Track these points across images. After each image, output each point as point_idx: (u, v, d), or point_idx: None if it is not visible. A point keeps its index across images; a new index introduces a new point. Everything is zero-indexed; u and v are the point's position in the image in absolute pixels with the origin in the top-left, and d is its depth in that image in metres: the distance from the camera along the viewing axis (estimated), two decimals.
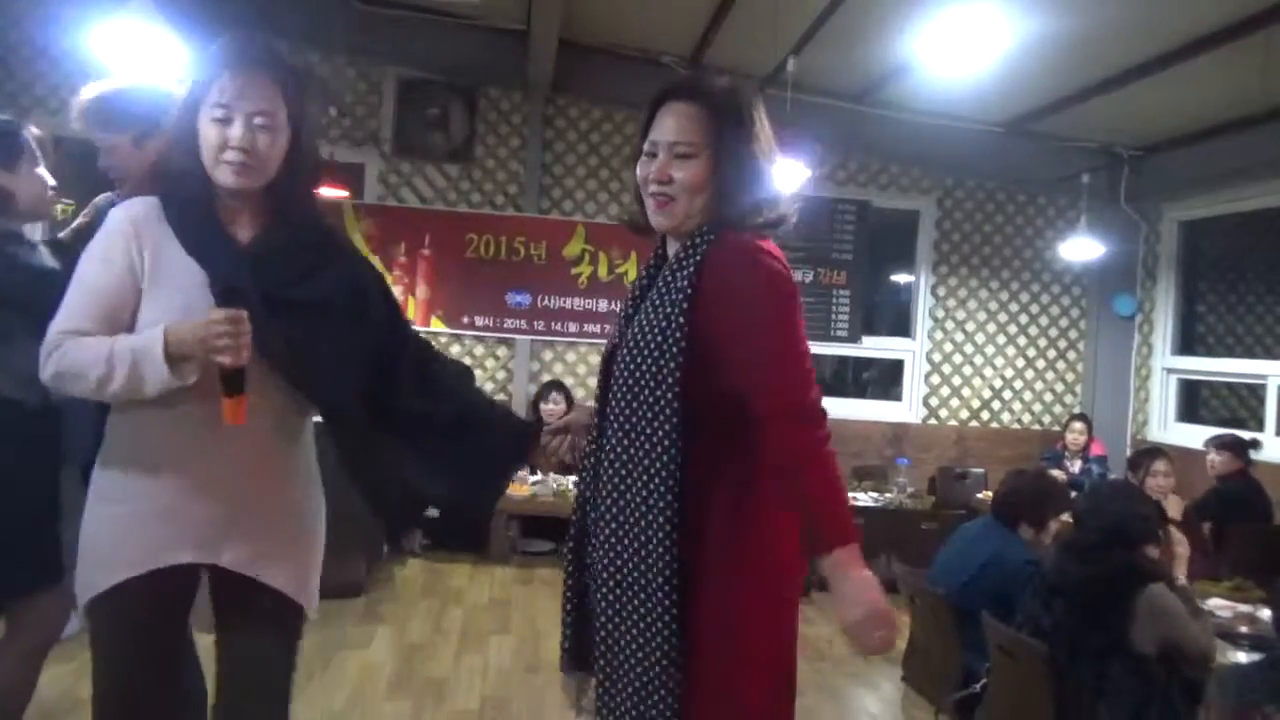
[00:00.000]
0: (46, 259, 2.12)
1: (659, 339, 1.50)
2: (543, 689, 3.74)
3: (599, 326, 6.75)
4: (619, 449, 1.54)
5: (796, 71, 5.41)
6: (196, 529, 1.60)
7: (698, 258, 1.53)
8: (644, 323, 1.54)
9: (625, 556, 1.52)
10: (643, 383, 1.51)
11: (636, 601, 1.50)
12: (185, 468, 1.59)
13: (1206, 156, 6.16)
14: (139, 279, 1.58)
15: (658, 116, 1.60)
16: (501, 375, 6.73)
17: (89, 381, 1.51)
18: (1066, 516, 4.61)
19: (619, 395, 1.55)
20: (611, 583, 1.54)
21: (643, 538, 1.49)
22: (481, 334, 6.69)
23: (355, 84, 6.49)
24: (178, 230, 1.59)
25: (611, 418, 1.56)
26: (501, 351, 6.76)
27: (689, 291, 1.50)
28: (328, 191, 5.73)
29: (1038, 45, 4.83)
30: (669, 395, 1.48)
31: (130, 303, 1.58)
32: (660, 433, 1.48)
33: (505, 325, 6.69)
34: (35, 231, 2.24)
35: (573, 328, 6.78)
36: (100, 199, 2.28)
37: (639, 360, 1.52)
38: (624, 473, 1.53)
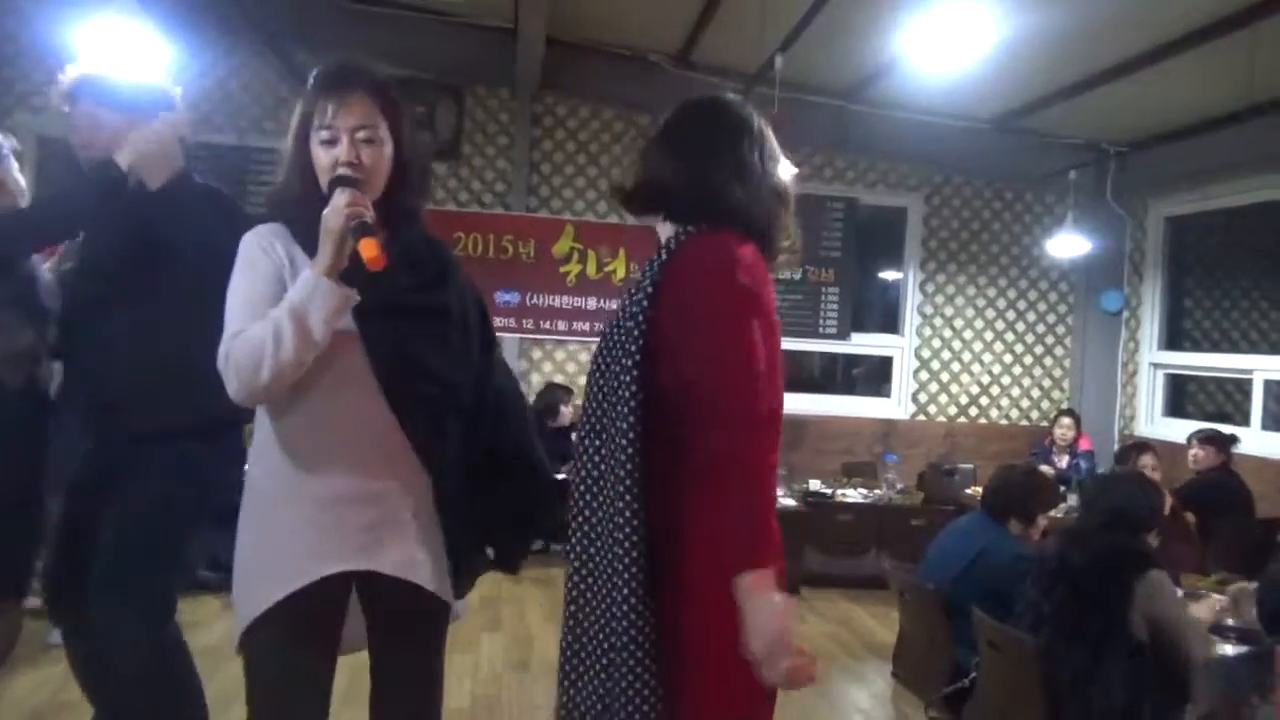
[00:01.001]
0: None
1: (622, 332, 1.51)
2: (533, 687, 3.74)
3: (588, 325, 6.74)
4: (589, 444, 1.54)
5: (784, 69, 5.41)
6: (354, 536, 1.63)
7: (663, 256, 1.54)
8: (614, 321, 1.56)
9: (594, 547, 1.51)
10: (607, 375, 1.52)
11: (601, 595, 1.49)
12: (333, 478, 1.63)
13: (1192, 152, 6.19)
14: (287, 283, 1.62)
15: None
16: None
17: (266, 357, 1.53)
18: (1056, 512, 4.65)
19: (591, 389, 1.56)
20: (577, 578, 1.54)
21: (609, 528, 1.48)
22: None
23: None
24: (309, 252, 1.63)
25: (586, 413, 1.57)
26: None
27: (650, 288, 1.50)
28: None
29: (1024, 42, 4.84)
30: (631, 388, 1.47)
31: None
32: (624, 425, 1.47)
33: (494, 324, 6.65)
34: None
35: (562, 326, 6.77)
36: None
37: (605, 352, 1.53)
38: (591, 466, 1.53)
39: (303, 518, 1.62)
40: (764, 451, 1.41)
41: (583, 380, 6.88)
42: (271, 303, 1.59)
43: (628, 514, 1.45)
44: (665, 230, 1.61)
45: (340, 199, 1.55)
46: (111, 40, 3.57)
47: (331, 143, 1.63)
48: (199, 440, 2.12)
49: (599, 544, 1.51)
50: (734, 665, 1.47)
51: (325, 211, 1.56)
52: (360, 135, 1.63)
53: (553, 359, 6.79)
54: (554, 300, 6.75)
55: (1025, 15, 4.53)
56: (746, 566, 1.37)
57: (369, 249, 1.53)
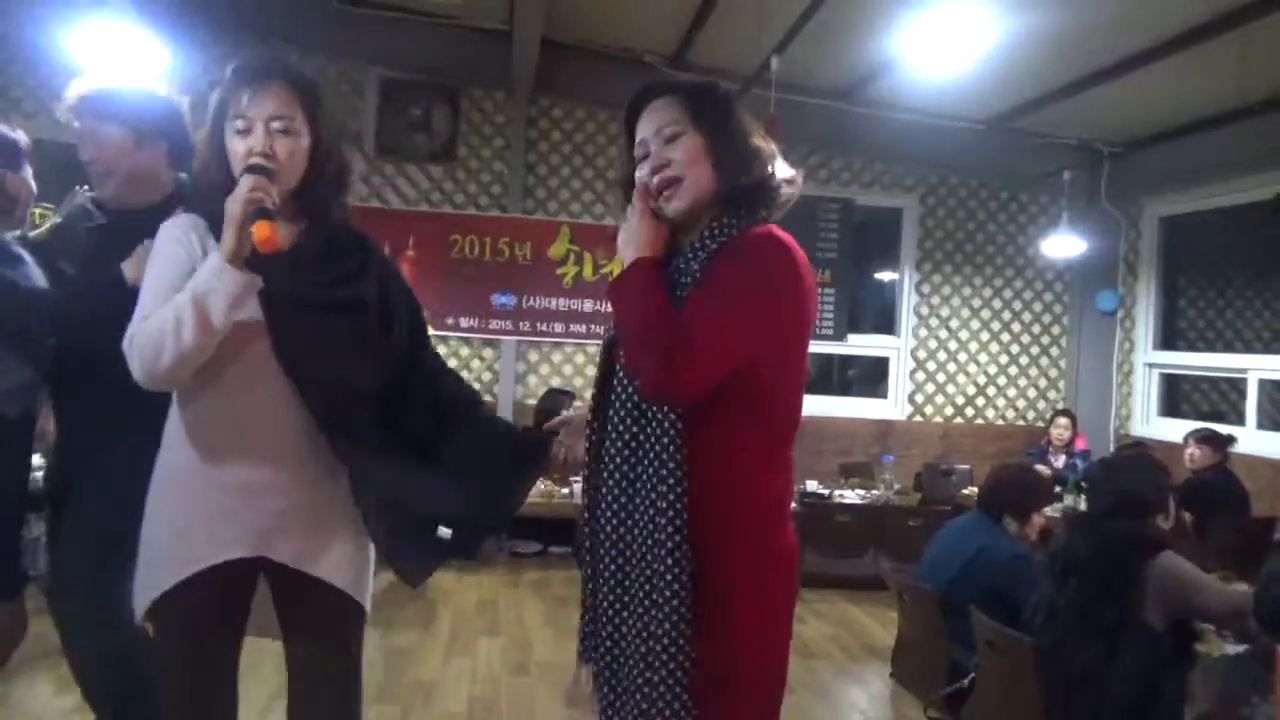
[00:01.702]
0: (17, 270, 2.11)
1: None
2: (531, 689, 3.73)
3: (585, 327, 6.74)
4: (625, 437, 1.52)
5: (779, 70, 5.42)
6: (253, 524, 1.63)
7: (714, 245, 1.51)
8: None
9: (631, 542, 1.50)
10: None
11: (643, 593, 1.48)
12: (238, 466, 1.63)
13: (1186, 152, 6.21)
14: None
15: (638, 125, 1.61)
16: (487, 376, 6.71)
17: (167, 342, 1.53)
18: (1052, 512, 4.65)
19: (625, 380, 1.53)
20: (615, 567, 1.53)
21: (650, 526, 1.47)
22: (467, 335, 6.67)
23: (337, 84, 6.46)
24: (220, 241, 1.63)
25: (617, 404, 1.54)
26: (487, 353, 6.74)
27: (702, 272, 1.49)
28: None
29: (1018, 43, 4.85)
30: None
31: None
32: (667, 421, 1.46)
33: (491, 326, 6.67)
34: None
35: (558, 328, 6.77)
36: (77, 196, 2.25)
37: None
38: (631, 461, 1.51)
39: (205, 503, 1.63)
40: (651, 358, 1.43)
41: (580, 383, 6.86)
42: (180, 287, 1.59)
43: (670, 514, 1.45)
44: (691, 234, 1.58)
45: (244, 185, 1.56)
46: (106, 44, 3.55)
47: (246, 132, 1.63)
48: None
49: (635, 541, 1.50)
50: (765, 679, 1.49)
51: (228, 198, 1.56)
52: (275, 125, 1.63)
53: (549, 361, 6.79)
54: (550, 302, 6.75)
55: (1019, 17, 4.54)
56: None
57: (261, 230, 1.53)
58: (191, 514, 1.63)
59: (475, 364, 6.72)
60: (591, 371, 6.76)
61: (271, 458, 1.64)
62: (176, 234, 1.68)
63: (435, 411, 1.81)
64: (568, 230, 6.76)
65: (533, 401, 6.42)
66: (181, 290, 1.57)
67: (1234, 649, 2.70)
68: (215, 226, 1.64)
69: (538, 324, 6.73)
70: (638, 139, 1.60)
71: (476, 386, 6.52)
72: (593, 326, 6.72)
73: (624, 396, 1.53)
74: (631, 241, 1.55)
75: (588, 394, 6.79)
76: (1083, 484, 5.78)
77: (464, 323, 6.63)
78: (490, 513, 1.89)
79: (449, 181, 6.68)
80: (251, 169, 1.59)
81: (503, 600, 4.99)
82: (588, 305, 6.76)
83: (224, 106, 1.65)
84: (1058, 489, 5.41)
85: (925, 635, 3.71)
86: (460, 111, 6.65)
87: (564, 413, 1.91)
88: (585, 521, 1.63)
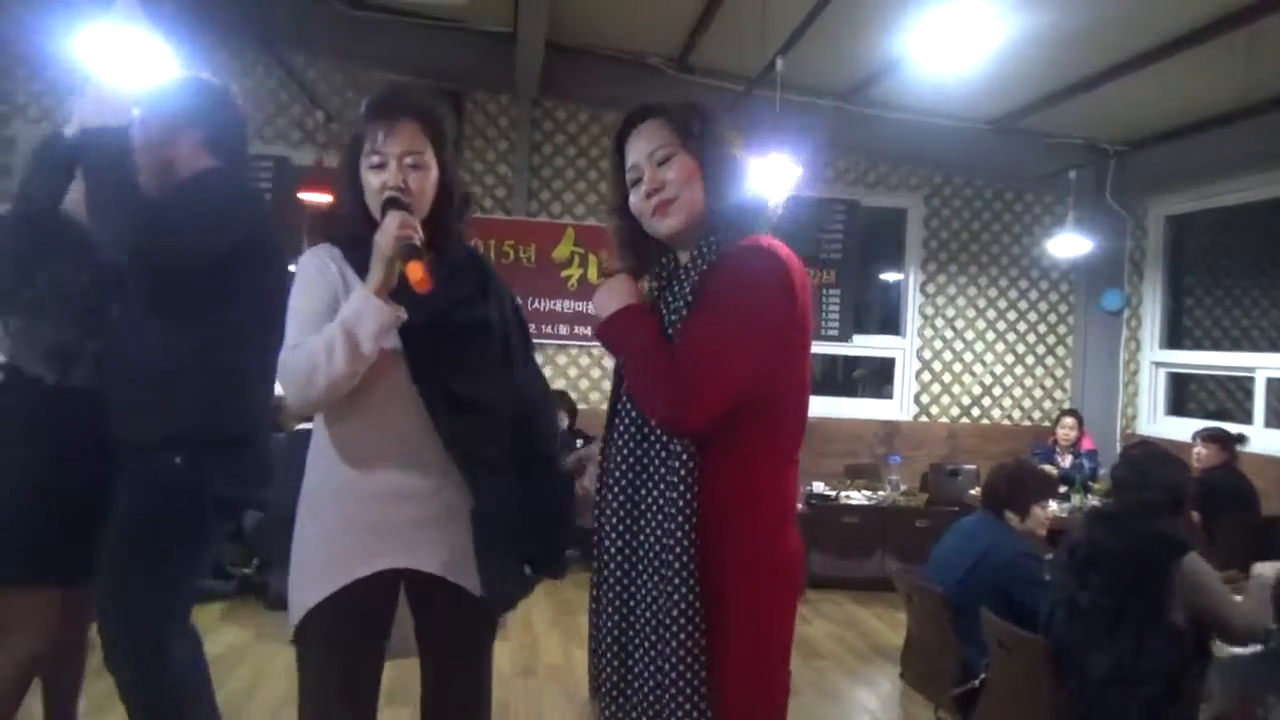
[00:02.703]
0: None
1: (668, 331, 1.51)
2: (540, 692, 3.73)
3: (589, 328, 6.74)
4: (630, 458, 1.53)
5: (784, 71, 5.42)
6: (399, 533, 1.70)
7: (703, 264, 1.53)
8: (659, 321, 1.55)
9: (638, 557, 1.51)
10: None
11: (651, 612, 1.47)
12: (383, 479, 1.71)
13: (1191, 152, 6.20)
14: (341, 301, 1.70)
15: (627, 148, 1.62)
16: None
17: (319, 369, 1.62)
18: (1060, 512, 4.64)
19: (629, 403, 1.55)
20: (621, 574, 1.53)
21: (657, 548, 1.47)
22: None
23: (342, 88, 6.47)
24: (358, 271, 1.72)
25: (621, 427, 1.56)
26: None
27: (695, 292, 1.50)
28: (317, 197, 5.71)
29: (1023, 43, 4.85)
30: None
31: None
32: (677, 443, 1.46)
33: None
34: None
35: (563, 330, 6.77)
36: None
37: None
38: (636, 483, 1.52)
39: (350, 515, 1.70)
40: (689, 418, 1.44)
41: (584, 385, 6.86)
42: (327, 319, 1.67)
43: (678, 543, 1.44)
44: (685, 254, 1.60)
45: (391, 222, 1.63)
46: (112, 48, 3.54)
47: (380, 167, 1.71)
48: (193, 452, 2.05)
49: (643, 551, 1.51)
50: (768, 680, 1.48)
51: (377, 234, 1.64)
52: (408, 161, 1.71)
53: (554, 363, 6.79)
54: (555, 304, 6.75)
55: (1023, 16, 4.54)
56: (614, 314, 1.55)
57: (415, 272, 1.60)
58: (341, 525, 1.71)
59: None
60: (596, 374, 6.77)
61: (411, 468, 1.71)
62: (317, 264, 1.76)
63: (528, 445, 1.88)
64: (572, 232, 6.77)
65: None
66: (329, 319, 1.66)
67: (1246, 650, 2.69)
68: (351, 254, 1.75)
69: (542, 326, 6.73)
70: (629, 163, 1.61)
71: None
72: None
73: (627, 419, 1.55)
74: (612, 299, 1.57)
75: (592, 396, 6.80)
76: (1090, 483, 5.78)
77: None
78: (546, 564, 1.92)
79: None
80: (392, 202, 1.67)
81: None
82: (592, 307, 6.73)
83: (359, 143, 1.74)
84: (1064, 489, 5.40)
85: (934, 636, 3.70)
86: (465, 114, 6.65)
87: (579, 450, 1.95)
88: (594, 545, 1.63)
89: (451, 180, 1.80)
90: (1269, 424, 6.11)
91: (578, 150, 6.83)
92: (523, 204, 6.71)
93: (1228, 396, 7.34)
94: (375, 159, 1.71)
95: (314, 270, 1.76)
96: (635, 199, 1.59)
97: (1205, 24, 4.62)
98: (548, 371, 6.73)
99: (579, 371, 6.78)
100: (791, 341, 1.52)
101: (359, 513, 1.70)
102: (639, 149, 1.59)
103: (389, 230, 1.62)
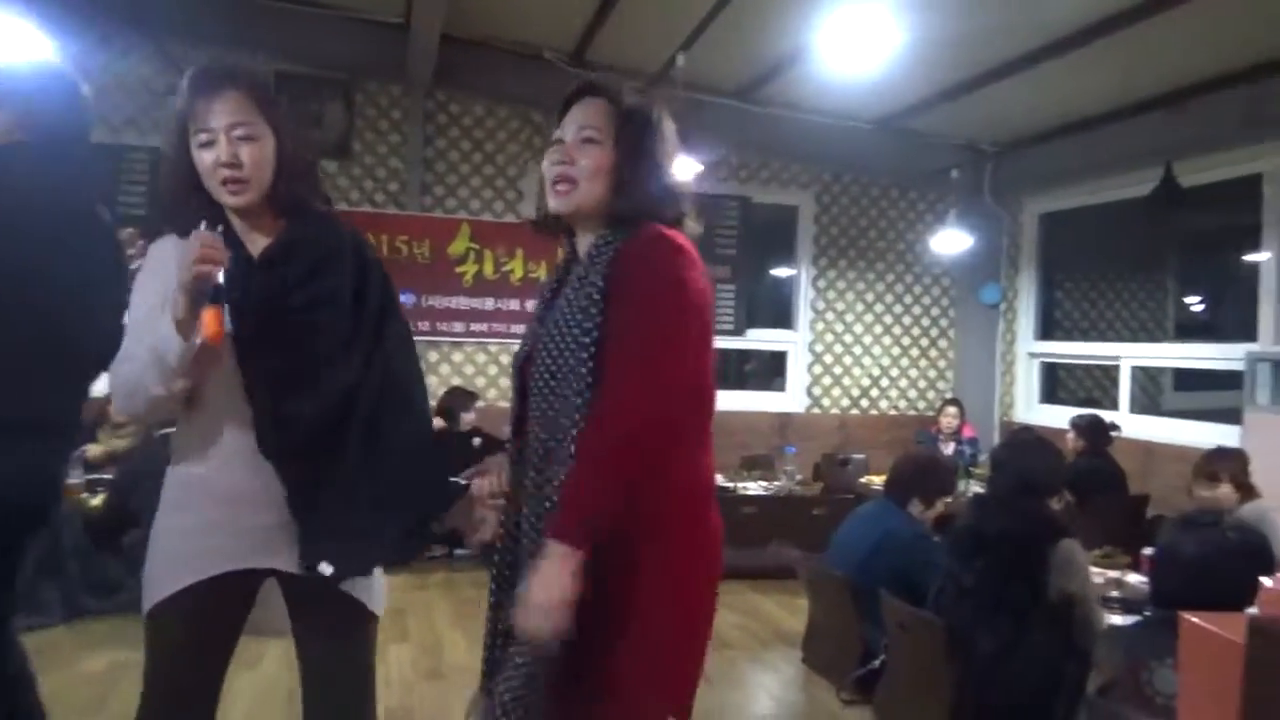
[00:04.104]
0: None
1: (574, 336, 1.50)
2: (446, 695, 3.67)
3: (486, 326, 6.66)
4: (541, 451, 1.53)
5: (683, 67, 5.46)
6: (251, 536, 1.66)
7: (610, 253, 1.53)
8: (559, 321, 1.54)
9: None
10: (560, 379, 1.51)
11: None
12: (235, 479, 1.66)
13: (1062, 153, 6.55)
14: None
15: (568, 113, 1.62)
16: None
17: (139, 388, 1.58)
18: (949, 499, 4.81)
19: (540, 395, 1.54)
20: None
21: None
22: None
23: None
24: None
25: (533, 419, 1.56)
26: None
27: (601, 286, 1.51)
28: None
29: (910, 46, 5.01)
30: (585, 393, 1.47)
31: None
32: (579, 422, 1.47)
33: None
34: None
35: (459, 327, 6.66)
36: None
37: (556, 358, 1.52)
38: (548, 474, 1.51)
39: (202, 518, 1.66)
40: (642, 454, 1.44)
41: (480, 382, 6.75)
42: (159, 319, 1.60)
43: None
44: (585, 240, 1.61)
45: (191, 249, 1.51)
46: None
47: (210, 144, 1.63)
48: None
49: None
50: (675, 652, 1.50)
51: (178, 263, 1.54)
52: (237, 133, 1.63)
53: (450, 361, 6.68)
54: (450, 302, 6.64)
55: (912, 20, 4.69)
56: (557, 535, 1.41)
57: (210, 324, 1.51)
58: (188, 528, 1.67)
59: None
60: (493, 371, 6.69)
61: (262, 469, 1.64)
62: (153, 265, 1.70)
63: (384, 409, 1.74)
64: (467, 228, 6.67)
65: (433, 402, 6.30)
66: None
67: (1121, 619, 2.87)
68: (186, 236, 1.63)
69: (438, 323, 6.61)
70: (562, 126, 1.62)
71: None
72: (494, 325, 6.65)
73: (541, 408, 1.54)
74: (556, 581, 1.42)
75: (489, 394, 6.72)
76: (972, 468, 6.05)
77: None
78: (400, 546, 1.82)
79: (344, 178, 6.49)
80: (208, 220, 1.58)
81: (410, 606, 4.88)
82: (489, 304, 6.67)
83: (184, 121, 1.66)
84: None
85: (836, 620, 3.81)
86: (355, 106, 6.47)
87: (464, 415, 1.87)
88: (503, 548, 1.61)
89: (290, 149, 1.70)
90: (1133, 410, 6.52)
91: (473, 144, 6.73)
92: (416, 199, 6.57)
93: (1095, 385, 7.79)
94: (203, 136, 1.63)
95: (149, 274, 1.70)
96: (547, 162, 1.61)
97: (1078, 31, 4.88)
98: (444, 370, 6.64)
99: (475, 369, 6.69)
100: (710, 326, 1.56)
101: (205, 519, 1.66)
102: (574, 118, 1.60)
103: (187, 260, 1.50)
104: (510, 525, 1.62)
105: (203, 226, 1.55)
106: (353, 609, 1.74)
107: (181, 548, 1.67)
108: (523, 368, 1.62)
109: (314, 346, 1.67)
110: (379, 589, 1.79)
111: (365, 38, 6.03)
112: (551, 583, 1.39)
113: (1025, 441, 3.04)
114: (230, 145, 1.62)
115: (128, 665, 3.80)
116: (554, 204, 1.59)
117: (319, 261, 1.71)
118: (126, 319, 1.67)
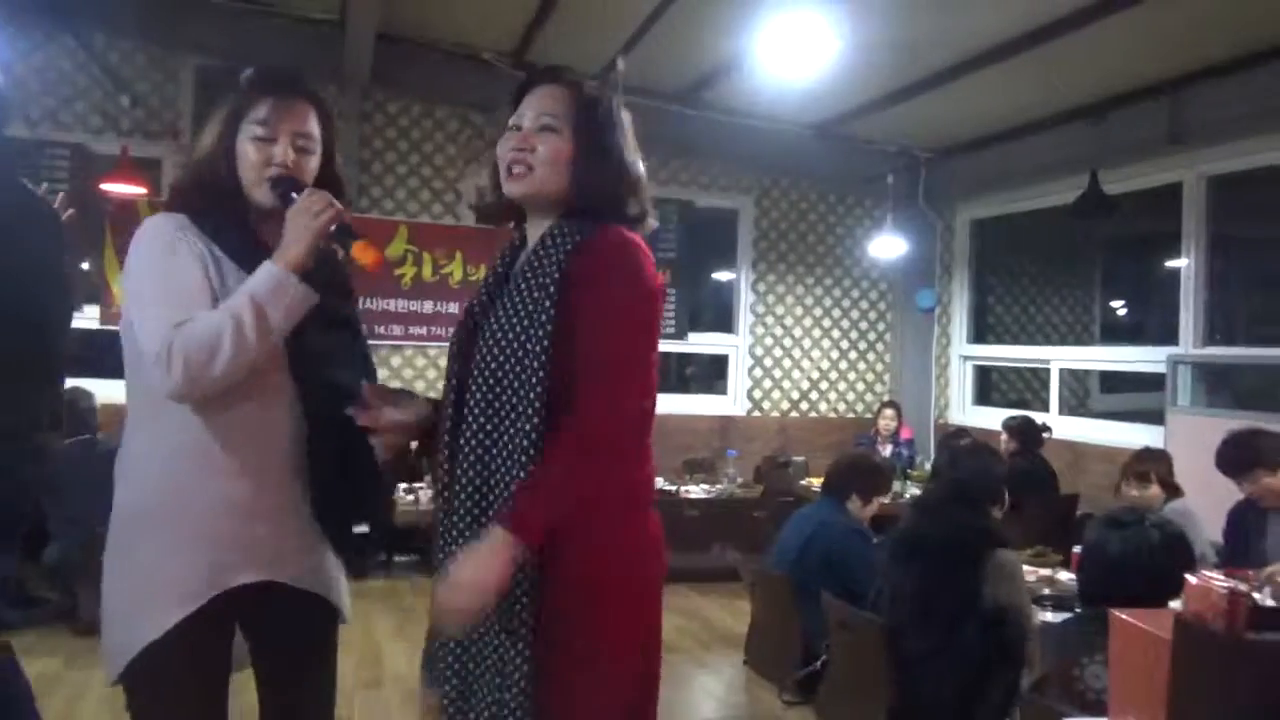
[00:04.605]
0: None
1: (528, 318, 1.47)
2: (387, 704, 3.60)
3: (424, 329, 6.57)
4: (480, 437, 1.49)
5: (623, 70, 5.46)
6: (256, 547, 1.58)
7: (569, 245, 1.51)
8: (510, 305, 1.51)
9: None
10: (510, 363, 1.47)
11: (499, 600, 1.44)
12: (241, 485, 1.56)
13: (994, 160, 6.72)
14: (210, 276, 1.56)
15: (525, 100, 1.60)
16: None
17: (224, 349, 1.46)
18: (884, 499, 4.87)
19: (483, 378, 1.50)
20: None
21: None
22: None
23: (148, 72, 6.01)
24: (221, 245, 1.60)
25: (473, 403, 1.51)
26: None
27: (557, 274, 1.48)
28: (123, 188, 5.29)
29: (847, 52, 5.08)
30: (538, 375, 1.44)
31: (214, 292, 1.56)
32: (528, 413, 1.44)
33: None
34: None
35: (397, 330, 6.56)
36: None
37: (507, 341, 1.48)
38: (486, 460, 1.48)
39: (199, 530, 1.54)
40: (611, 464, 1.46)
41: (420, 386, 6.64)
42: (208, 292, 1.53)
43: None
44: (537, 227, 1.59)
45: (314, 199, 1.55)
46: None
47: (268, 141, 1.62)
48: None
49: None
50: (623, 651, 1.49)
51: (294, 209, 1.55)
52: (299, 143, 1.65)
53: (388, 365, 6.57)
54: (389, 304, 6.54)
55: (850, 27, 4.76)
56: (508, 525, 1.38)
57: (366, 253, 1.57)
58: (184, 543, 1.54)
59: None
60: (432, 375, 6.60)
61: (272, 480, 1.59)
62: (178, 234, 1.57)
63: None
64: (405, 230, 6.57)
65: None
66: (209, 293, 1.53)
67: (1053, 616, 2.94)
68: (208, 228, 1.60)
69: (375, 327, 6.48)
70: (518, 112, 1.59)
71: None
72: (433, 328, 6.56)
73: (483, 392, 1.50)
74: (489, 565, 1.39)
75: (430, 395, 6.61)
76: (909, 470, 6.15)
77: None
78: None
79: None
80: (282, 181, 1.59)
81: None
82: (427, 306, 6.59)
83: (239, 113, 1.63)
84: None
85: (777, 620, 3.84)
86: None
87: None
88: (441, 534, 1.57)
89: (335, 173, 1.74)
90: (1062, 411, 6.70)
91: (410, 145, 6.63)
92: (352, 200, 6.45)
93: (1026, 387, 7.99)
94: (261, 130, 1.61)
95: (178, 242, 1.56)
96: (502, 148, 1.57)
97: (1007, 41, 5.01)
98: (382, 373, 6.52)
99: (414, 373, 6.59)
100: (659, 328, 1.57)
101: (204, 530, 1.54)
102: (532, 105, 1.57)
103: (312, 207, 1.54)
104: (445, 519, 1.55)
105: (294, 195, 1.58)
106: (331, 615, 1.73)
107: (175, 567, 1.53)
108: (464, 350, 1.56)
109: (342, 366, 1.68)
110: (347, 594, 1.77)
111: (297, 35, 5.91)
112: (485, 564, 1.36)
113: (965, 449, 3.10)
114: (290, 150, 1.62)
115: (54, 677, 3.67)
116: (509, 188, 1.56)
117: (342, 283, 1.77)
118: (161, 290, 1.53)
